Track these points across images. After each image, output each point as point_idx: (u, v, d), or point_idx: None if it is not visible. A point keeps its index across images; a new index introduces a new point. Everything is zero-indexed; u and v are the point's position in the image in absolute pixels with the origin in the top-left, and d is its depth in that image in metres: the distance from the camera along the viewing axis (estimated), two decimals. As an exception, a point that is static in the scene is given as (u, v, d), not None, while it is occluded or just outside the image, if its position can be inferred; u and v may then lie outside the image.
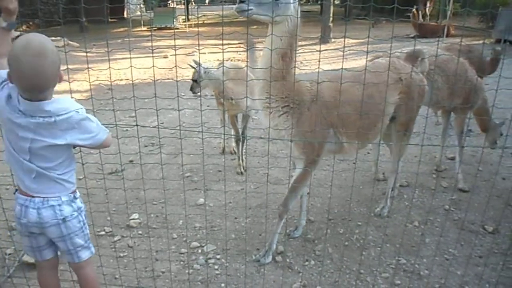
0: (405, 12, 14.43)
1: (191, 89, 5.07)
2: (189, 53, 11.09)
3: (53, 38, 13.00)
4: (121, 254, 3.63)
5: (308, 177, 3.36)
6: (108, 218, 4.19)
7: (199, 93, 4.93)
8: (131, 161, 5.62)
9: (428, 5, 18.91)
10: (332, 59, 8.71)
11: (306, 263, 3.46)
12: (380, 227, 3.88)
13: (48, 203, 2.09)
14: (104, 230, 4.01)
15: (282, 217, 3.46)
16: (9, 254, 3.56)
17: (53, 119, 1.95)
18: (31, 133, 1.97)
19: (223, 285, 3.24)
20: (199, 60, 4.67)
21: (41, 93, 1.93)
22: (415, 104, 3.66)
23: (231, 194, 4.64)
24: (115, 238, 3.90)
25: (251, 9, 2.73)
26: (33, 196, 2.10)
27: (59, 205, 2.11)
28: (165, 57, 11.29)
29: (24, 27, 21.11)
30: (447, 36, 14.52)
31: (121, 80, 9.87)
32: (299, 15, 2.93)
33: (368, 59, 3.78)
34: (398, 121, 3.69)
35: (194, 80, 5.02)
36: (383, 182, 4.68)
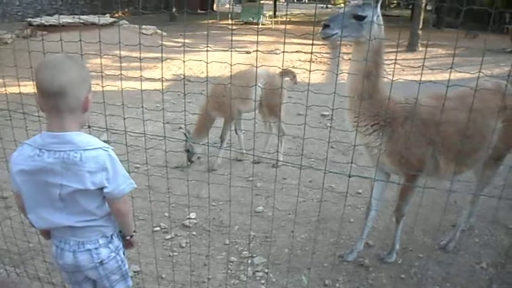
0: (502, 25, 13.38)
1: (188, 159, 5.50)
2: (272, 50, 11.11)
3: (144, 26, 13.59)
4: (171, 254, 3.66)
5: (413, 185, 3.30)
6: (166, 214, 4.25)
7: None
8: (198, 158, 5.68)
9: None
10: (418, 70, 8.21)
11: (356, 291, 3.29)
12: (443, 263, 3.58)
13: (84, 247, 1.98)
14: (159, 226, 4.08)
15: (399, 221, 3.53)
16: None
17: (78, 154, 1.78)
18: (57, 177, 1.81)
19: (266, 302, 3.17)
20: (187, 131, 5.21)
21: (59, 104, 1.75)
22: None
23: (293, 204, 4.52)
24: (169, 236, 3.94)
25: (336, 33, 2.81)
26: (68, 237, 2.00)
27: (96, 248, 1.99)
28: (248, 52, 11.33)
29: (120, 13, 22.27)
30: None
31: (202, 72, 10.06)
32: (383, 34, 2.97)
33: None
34: (495, 148, 3.35)
35: (187, 151, 5.37)
36: (454, 212, 4.33)
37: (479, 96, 2.93)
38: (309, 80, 3.11)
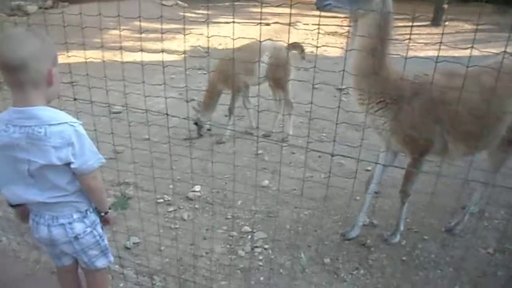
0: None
1: (198, 133, 5.55)
2: (292, 23, 10.87)
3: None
4: (173, 226, 3.65)
5: (418, 166, 3.22)
6: (171, 186, 4.24)
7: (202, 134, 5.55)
8: (209, 129, 5.63)
9: None
10: (442, 44, 7.91)
11: (355, 271, 3.22)
12: (448, 246, 3.48)
13: (58, 221, 1.96)
14: (163, 198, 4.07)
15: (404, 201, 3.43)
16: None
17: (43, 129, 1.74)
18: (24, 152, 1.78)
19: (262, 278, 3.13)
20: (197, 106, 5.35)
21: (21, 78, 1.71)
22: None
23: (299, 180, 4.44)
24: (171, 208, 3.94)
25: (329, 4, 2.69)
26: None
27: (70, 223, 1.97)
28: (267, 24, 11.12)
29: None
30: None
31: (220, 44, 9.93)
32: (390, 8, 2.76)
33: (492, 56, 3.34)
34: (510, 130, 3.22)
35: (195, 123, 5.41)
36: (465, 194, 4.18)
37: (496, 74, 2.80)
38: (316, 57, 2.99)
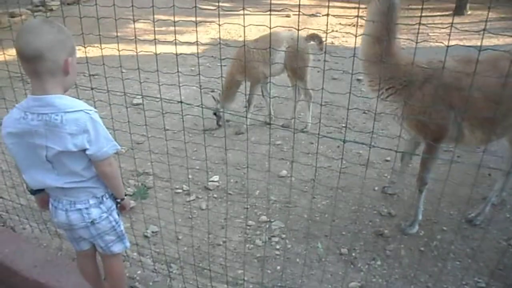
0: None
1: (217, 123, 5.57)
2: (313, 14, 10.77)
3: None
4: (191, 215, 3.69)
5: (435, 152, 3.23)
6: (190, 176, 4.27)
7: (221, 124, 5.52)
8: (227, 121, 5.65)
9: None
10: (464, 34, 7.76)
11: (372, 262, 3.21)
12: (468, 237, 3.42)
13: (75, 207, 2.01)
14: (182, 188, 4.11)
15: (421, 190, 3.42)
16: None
17: (59, 117, 1.78)
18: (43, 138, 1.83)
19: (278, 267, 3.15)
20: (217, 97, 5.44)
21: (38, 67, 1.75)
22: None
23: (317, 170, 4.43)
24: (190, 198, 3.98)
25: None
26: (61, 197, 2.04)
27: (87, 208, 2.02)
28: (288, 16, 11.05)
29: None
30: None
31: (240, 36, 9.92)
32: None
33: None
34: None
35: (214, 113, 5.43)
36: (486, 185, 4.10)
37: None
38: (325, 48, 2.97)
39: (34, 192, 2.13)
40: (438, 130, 3.06)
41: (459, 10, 12.01)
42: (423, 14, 2.92)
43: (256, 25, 2.36)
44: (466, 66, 2.86)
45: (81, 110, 1.81)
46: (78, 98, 1.98)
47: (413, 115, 3.02)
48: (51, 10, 11.25)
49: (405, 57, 2.95)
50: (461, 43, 2.16)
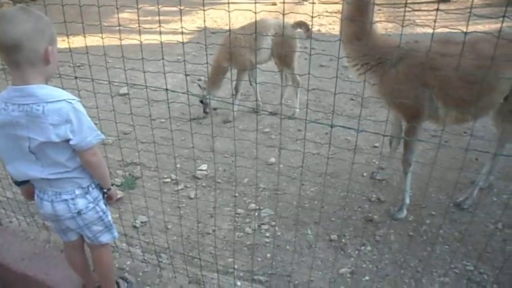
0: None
1: (204, 111, 5.49)
2: (298, 2, 10.73)
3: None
4: (179, 205, 3.67)
5: (415, 132, 3.30)
6: (178, 165, 4.24)
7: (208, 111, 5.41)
8: (215, 109, 5.61)
9: None
10: (450, 20, 7.77)
11: (362, 247, 3.22)
12: (456, 221, 3.45)
13: (61, 197, 1.98)
14: (170, 178, 4.08)
15: (406, 171, 3.46)
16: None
17: (40, 107, 1.73)
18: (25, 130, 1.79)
19: (268, 255, 3.14)
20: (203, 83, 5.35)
21: (17, 57, 1.70)
22: None
23: (306, 156, 4.42)
24: (179, 187, 3.95)
25: None
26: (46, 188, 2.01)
27: (72, 199, 1.99)
28: (274, 4, 10.98)
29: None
30: None
31: (226, 25, 9.83)
32: None
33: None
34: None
35: (201, 101, 5.36)
36: (474, 169, 4.13)
37: (494, 42, 2.78)
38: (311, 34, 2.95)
39: (19, 183, 2.08)
40: (415, 109, 3.13)
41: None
42: (409, 1, 2.93)
43: (242, 10, 2.32)
44: (443, 46, 2.92)
45: (63, 100, 1.76)
46: (63, 89, 1.94)
47: (389, 93, 3.13)
48: (34, 0, 11.04)
49: (380, 36, 3.08)
50: (447, 30, 2.16)
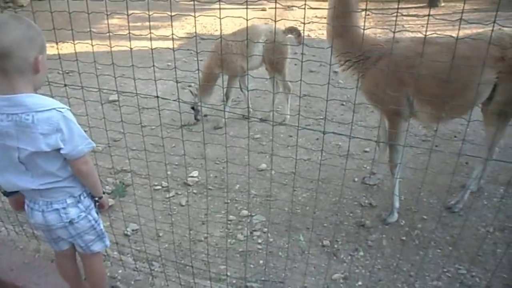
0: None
1: (195, 117, 5.49)
2: (288, 7, 10.74)
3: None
4: (170, 212, 3.64)
5: (398, 132, 3.35)
6: (169, 172, 4.22)
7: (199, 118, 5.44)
8: (205, 115, 5.59)
9: None
10: (438, 25, 7.84)
11: (355, 252, 3.21)
12: (448, 225, 3.46)
13: (52, 207, 1.95)
14: (161, 185, 4.06)
15: (393, 172, 3.47)
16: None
17: (30, 117, 1.70)
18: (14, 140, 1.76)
19: (261, 262, 3.13)
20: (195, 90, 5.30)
21: (6, 65, 1.66)
22: None
23: (297, 162, 4.41)
24: (170, 194, 3.92)
25: None
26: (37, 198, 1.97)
27: (64, 208, 1.96)
28: (263, 10, 11.01)
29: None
30: None
31: (216, 30, 9.84)
32: None
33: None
34: (494, 102, 3.24)
35: (192, 108, 5.36)
36: (464, 173, 4.14)
37: (473, 44, 2.97)
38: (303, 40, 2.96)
39: (8, 194, 2.05)
40: (394, 105, 3.20)
41: (433, 2, 12.11)
42: (399, 6, 2.94)
43: (232, 17, 2.32)
44: (419, 46, 3.01)
45: (53, 109, 1.73)
46: (52, 96, 1.91)
47: (369, 88, 3.27)
48: (22, 6, 10.96)
49: (361, 34, 3.10)
50: (435, 34, 2.19)
